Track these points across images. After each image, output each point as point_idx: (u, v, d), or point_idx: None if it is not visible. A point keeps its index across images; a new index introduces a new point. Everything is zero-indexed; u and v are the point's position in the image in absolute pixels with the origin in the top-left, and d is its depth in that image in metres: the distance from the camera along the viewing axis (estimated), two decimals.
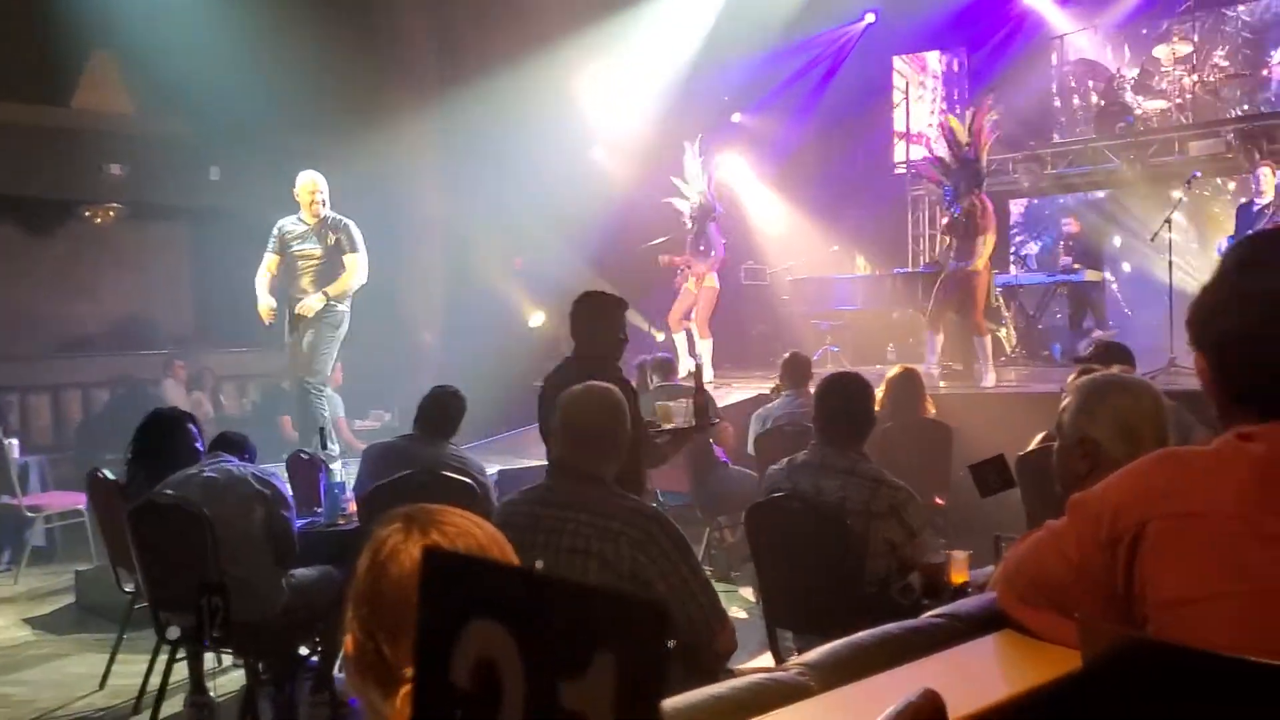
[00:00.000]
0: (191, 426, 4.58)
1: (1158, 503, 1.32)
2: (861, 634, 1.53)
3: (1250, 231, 8.10)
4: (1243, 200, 8.69)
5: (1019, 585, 1.52)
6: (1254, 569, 1.23)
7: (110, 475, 5.00)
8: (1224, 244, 8.38)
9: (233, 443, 4.44)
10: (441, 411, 4.75)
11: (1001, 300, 10.93)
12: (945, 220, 8.72)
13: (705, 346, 9.45)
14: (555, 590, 0.52)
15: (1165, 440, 2.06)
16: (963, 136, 8.46)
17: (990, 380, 8.19)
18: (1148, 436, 2.04)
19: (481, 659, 0.52)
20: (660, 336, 11.09)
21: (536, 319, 11.94)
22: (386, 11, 11.05)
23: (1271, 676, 1.15)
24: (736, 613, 5.71)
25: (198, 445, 4.45)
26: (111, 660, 4.95)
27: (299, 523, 4.53)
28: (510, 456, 7.46)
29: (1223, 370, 1.34)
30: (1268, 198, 8.24)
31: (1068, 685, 1.33)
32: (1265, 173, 8.33)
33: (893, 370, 5.93)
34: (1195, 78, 10.92)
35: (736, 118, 12.95)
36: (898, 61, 12.76)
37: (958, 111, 9.05)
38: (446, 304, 11.92)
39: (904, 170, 12.60)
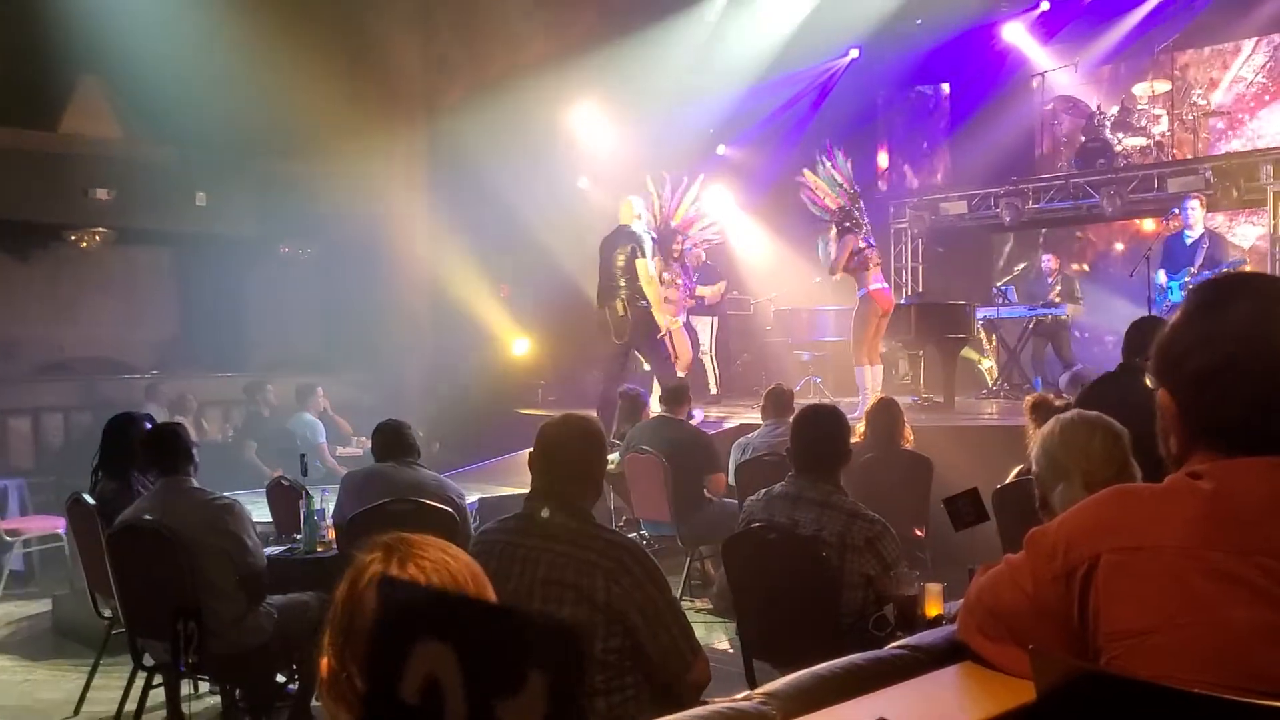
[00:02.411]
0: (147, 425, 4.70)
1: (1109, 537, 1.36)
2: (824, 665, 1.55)
3: (1191, 265, 8.30)
4: (1171, 233, 8.85)
5: (978, 617, 1.56)
6: (1201, 602, 1.27)
7: (90, 500, 5.00)
8: (1161, 275, 8.55)
9: (173, 450, 4.22)
10: (399, 438, 4.79)
11: (983, 333, 11.03)
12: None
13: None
14: (493, 615, 0.56)
15: (1101, 472, 2.23)
16: (831, 188, 9.07)
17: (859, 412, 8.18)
18: (1075, 470, 2.26)
19: (428, 677, 0.56)
20: (649, 367, 11.10)
21: (521, 346, 11.97)
22: (375, 40, 11.13)
23: (1218, 709, 1.18)
24: (722, 645, 5.72)
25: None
26: (87, 686, 4.92)
27: (278, 550, 4.54)
28: (491, 484, 7.46)
29: (1193, 407, 1.38)
30: (1198, 230, 8.43)
31: (1021, 716, 1.36)
32: (1194, 205, 8.51)
33: (871, 401, 5.99)
34: (1174, 115, 11.09)
35: (722, 149, 13.06)
36: (880, 96, 12.92)
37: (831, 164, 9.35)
38: (431, 329, 11.93)
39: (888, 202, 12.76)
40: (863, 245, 8.63)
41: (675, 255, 9.85)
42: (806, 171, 9.41)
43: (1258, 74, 11.21)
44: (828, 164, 9.29)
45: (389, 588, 0.61)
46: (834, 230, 8.84)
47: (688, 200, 10.31)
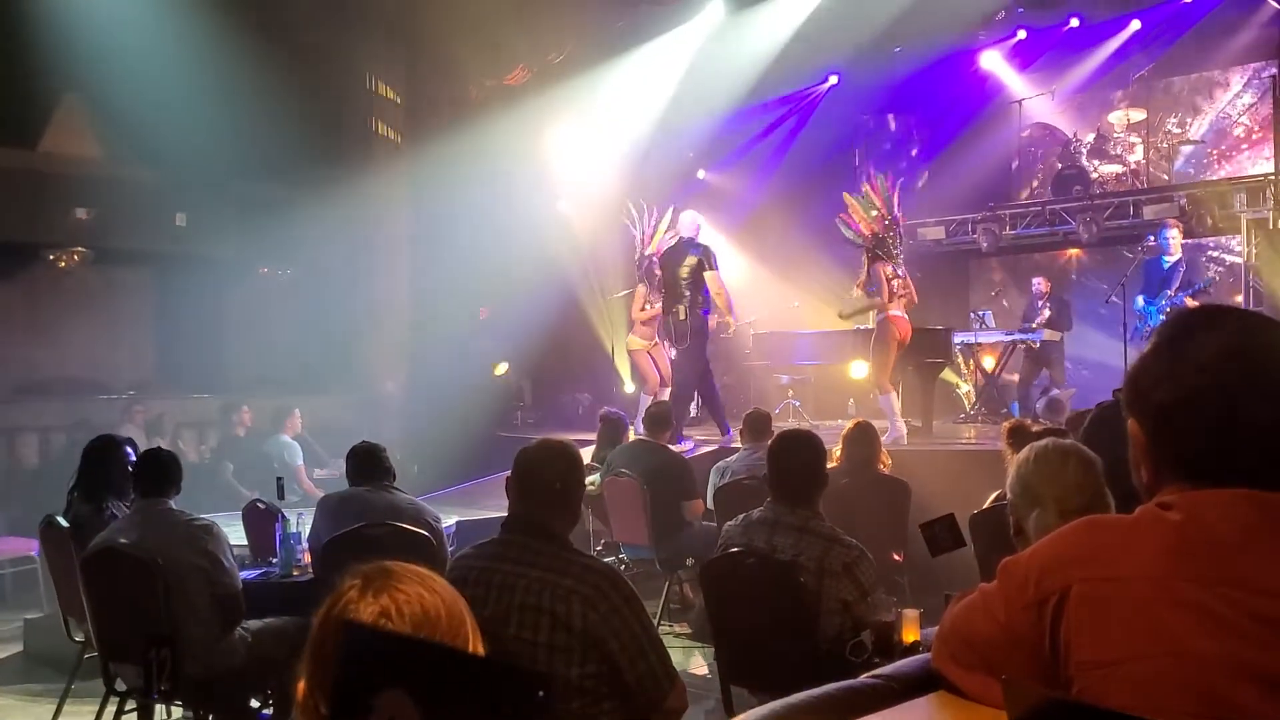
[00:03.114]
0: (127, 450, 4.68)
1: (1081, 567, 1.37)
2: (798, 695, 1.56)
3: (1168, 290, 8.40)
4: (1148, 257, 8.92)
5: (952, 645, 1.56)
6: (1169, 633, 1.28)
7: (63, 522, 4.95)
8: (1140, 300, 8.64)
9: (162, 475, 4.27)
10: (375, 460, 4.77)
11: (961, 358, 11.09)
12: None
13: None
14: (456, 663, 0.56)
15: (1074, 499, 2.30)
16: (867, 212, 8.93)
17: (893, 436, 8.23)
18: (1049, 497, 2.33)
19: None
20: (631, 388, 11.12)
21: (500, 369, 11.95)
22: (357, 63, 11.15)
23: None
24: (700, 670, 5.71)
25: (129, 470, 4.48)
26: (58, 712, 4.86)
27: (253, 574, 4.52)
28: (470, 507, 7.44)
29: (1160, 438, 1.40)
30: (1176, 255, 8.54)
31: None
32: (1174, 233, 8.62)
33: (848, 425, 6.00)
34: (1148, 143, 11.22)
35: (702, 174, 13.14)
36: (859, 122, 13.01)
37: (870, 188, 9.33)
38: (410, 352, 11.92)
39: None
40: (891, 273, 8.55)
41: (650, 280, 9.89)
42: (847, 195, 9.33)
43: (1242, 114, 11.32)
44: (868, 188, 9.22)
45: (351, 633, 0.61)
46: (865, 257, 8.77)
47: (661, 228, 10.35)
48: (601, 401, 10.38)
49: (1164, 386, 1.38)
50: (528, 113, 11.41)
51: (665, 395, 9.55)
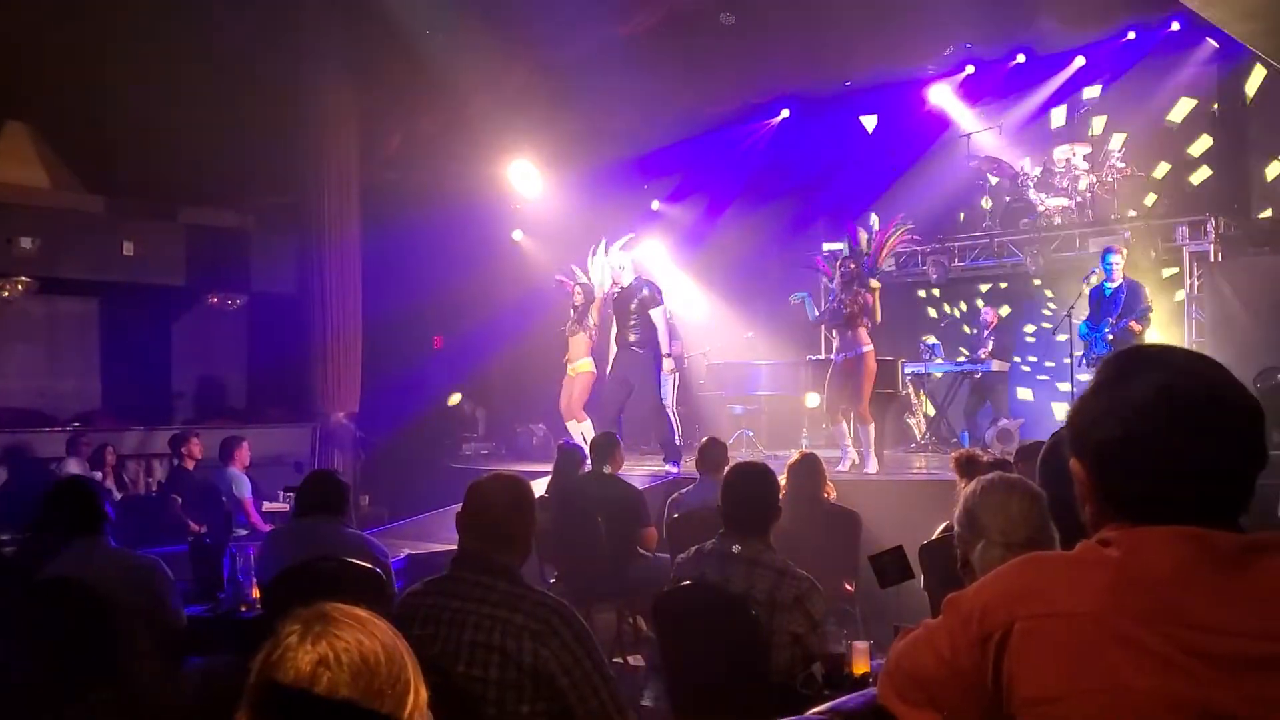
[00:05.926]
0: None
1: (1022, 603, 1.39)
2: None
3: (1111, 316, 8.54)
4: (1093, 284, 9.06)
5: (898, 682, 1.57)
6: (1107, 670, 1.30)
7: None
8: (1084, 327, 8.77)
9: (92, 507, 4.11)
10: (325, 493, 4.67)
11: (911, 389, 11.19)
12: (825, 313, 9.05)
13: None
14: None
15: (1018, 533, 2.35)
16: (864, 246, 9.06)
17: (872, 467, 8.32)
18: (994, 529, 2.37)
19: None
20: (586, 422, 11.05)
21: (454, 399, 11.88)
22: (309, 91, 11.08)
23: None
24: (652, 704, 5.66)
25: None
26: None
27: (200, 609, 4.44)
28: (422, 540, 7.36)
29: (1099, 477, 1.42)
30: (1118, 281, 8.68)
31: None
32: (1117, 259, 8.77)
33: (793, 457, 6.01)
34: (1093, 177, 11.41)
35: (656, 205, 13.21)
36: (810, 155, 13.15)
37: (869, 223, 9.52)
38: (363, 380, 11.81)
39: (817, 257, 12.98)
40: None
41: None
42: (862, 229, 9.41)
43: (1185, 149, 11.53)
44: (887, 230, 9.44)
45: (268, 692, 0.60)
46: (870, 283, 8.64)
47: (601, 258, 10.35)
48: (556, 433, 10.33)
49: (1101, 426, 1.41)
50: (484, 142, 11.40)
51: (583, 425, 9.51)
